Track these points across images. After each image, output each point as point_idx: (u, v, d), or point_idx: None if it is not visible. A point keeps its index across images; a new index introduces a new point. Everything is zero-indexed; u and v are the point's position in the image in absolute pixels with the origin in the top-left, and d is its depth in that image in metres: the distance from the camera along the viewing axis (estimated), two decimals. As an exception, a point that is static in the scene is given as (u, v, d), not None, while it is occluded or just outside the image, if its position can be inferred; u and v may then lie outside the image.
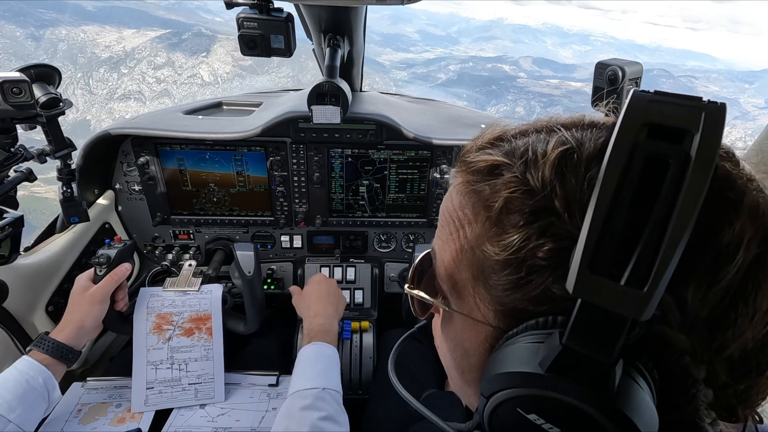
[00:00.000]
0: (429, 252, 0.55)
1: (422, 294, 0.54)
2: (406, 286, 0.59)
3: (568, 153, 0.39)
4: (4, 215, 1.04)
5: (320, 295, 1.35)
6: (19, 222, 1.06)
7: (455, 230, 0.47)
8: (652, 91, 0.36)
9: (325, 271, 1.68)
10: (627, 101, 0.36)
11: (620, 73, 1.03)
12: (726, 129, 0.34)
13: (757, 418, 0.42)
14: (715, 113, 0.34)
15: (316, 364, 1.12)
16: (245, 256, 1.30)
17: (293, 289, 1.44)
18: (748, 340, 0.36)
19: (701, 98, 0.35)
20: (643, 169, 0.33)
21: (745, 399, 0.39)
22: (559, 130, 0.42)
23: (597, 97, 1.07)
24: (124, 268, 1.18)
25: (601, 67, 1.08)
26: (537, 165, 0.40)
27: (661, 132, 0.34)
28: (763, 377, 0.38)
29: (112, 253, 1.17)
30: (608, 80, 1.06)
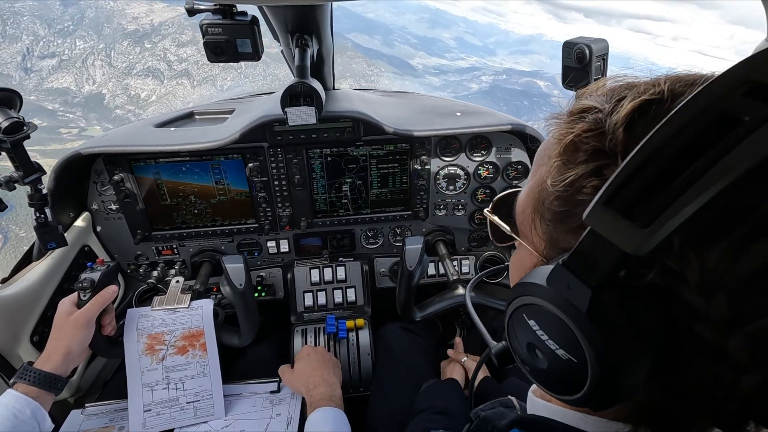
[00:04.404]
0: (517, 191, 0.59)
1: (496, 218, 0.61)
2: (486, 210, 0.65)
3: (649, 103, 0.39)
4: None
5: (314, 367, 1.27)
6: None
7: (537, 168, 0.51)
8: None
9: (315, 272, 1.68)
10: (755, 52, 0.33)
11: (587, 51, 1.05)
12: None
13: None
14: None
15: (325, 428, 1.08)
16: (235, 268, 1.27)
17: (282, 369, 1.31)
18: None
19: None
20: (711, 124, 0.31)
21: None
22: (666, 83, 0.41)
23: (569, 77, 1.09)
24: (111, 290, 1.15)
25: (568, 46, 1.09)
26: (618, 111, 0.40)
27: (764, 92, 0.30)
28: None
29: (96, 276, 1.14)
30: (576, 59, 1.07)
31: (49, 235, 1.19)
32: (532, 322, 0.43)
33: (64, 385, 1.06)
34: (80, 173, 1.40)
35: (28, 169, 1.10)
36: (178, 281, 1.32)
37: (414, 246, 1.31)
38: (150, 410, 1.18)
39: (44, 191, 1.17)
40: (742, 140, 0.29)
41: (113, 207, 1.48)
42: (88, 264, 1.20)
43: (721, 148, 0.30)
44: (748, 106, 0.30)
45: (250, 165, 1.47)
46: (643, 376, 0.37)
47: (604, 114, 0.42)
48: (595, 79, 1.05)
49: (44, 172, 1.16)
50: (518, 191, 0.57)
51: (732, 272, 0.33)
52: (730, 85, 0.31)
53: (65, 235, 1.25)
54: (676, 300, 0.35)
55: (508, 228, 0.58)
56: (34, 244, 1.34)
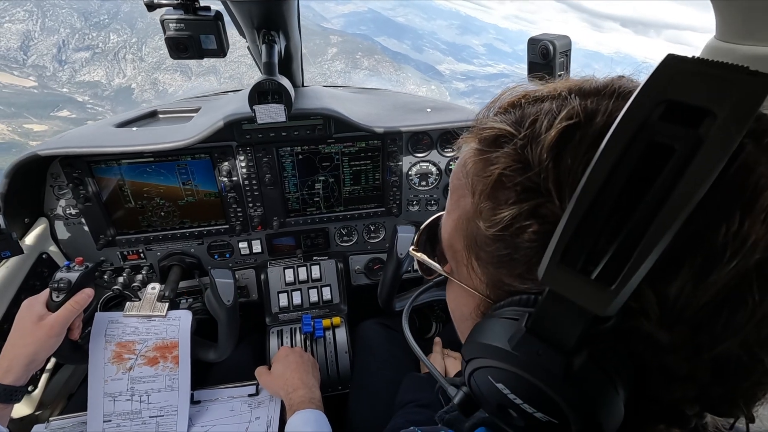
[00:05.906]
0: (439, 216, 0.55)
1: (424, 257, 0.56)
2: (411, 248, 0.60)
3: (571, 129, 0.37)
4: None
5: (292, 369, 1.25)
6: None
7: (459, 198, 0.47)
8: (692, 56, 0.30)
9: (289, 272, 1.66)
10: (655, 68, 0.31)
11: (551, 47, 1.08)
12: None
13: (749, 417, 0.39)
14: (755, 87, 0.28)
15: (306, 430, 1.06)
16: (225, 284, 1.21)
17: (259, 371, 1.29)
18: (733, 346, 0.34)
19: (747, 68, 0.29)
20: (643, 156, 0.30)
21: (731, 399, 0.37)
22: (575, 98, 0.39)
23: (533, 73, 1.12)
24: (86, 294, 1.07)
25: (533, 42, 1.13)
26: (538, 140, 0.38)
27: (680, 111, 0.29)
28: (748, 382, 0.36)
29: (73, 276, 1.06)
30: (541, 55, 1.10)
31: (2, 244, 1.12)
32: (500, 386, 0.40)
33: (23, 395, 0.98)
34: (36, 177, 1.33)
35: (-23, 174, 1.04)
36: (154, 287, 1.25)
37: (406, 234, 1.31)
38: (110, 421, 1.13)
39: (-5, 197, 1.11)
40: (683, 172, 0.29)
41: (73, 212, 1.41)
42: (65, 263, 1.12)
43: (664, 183, 0.29)
44: (674, 133, 0.29)
45: (218, 165, 1.43)
46: (622, 411, 0.37)
47: (521, 140, 0.39)
48: (559, 75, 1.09)
49: (-6, 177, 1.10)
50: (437, 219, 0.54)
51: (691, 305, 0.33)
52: (649, 108, 0.30)
53: (21, 242, 1.18)
54: (640, 336, 0.35)
55: (440, 267, 0.54)
56: (-14, 253, 1.26)
